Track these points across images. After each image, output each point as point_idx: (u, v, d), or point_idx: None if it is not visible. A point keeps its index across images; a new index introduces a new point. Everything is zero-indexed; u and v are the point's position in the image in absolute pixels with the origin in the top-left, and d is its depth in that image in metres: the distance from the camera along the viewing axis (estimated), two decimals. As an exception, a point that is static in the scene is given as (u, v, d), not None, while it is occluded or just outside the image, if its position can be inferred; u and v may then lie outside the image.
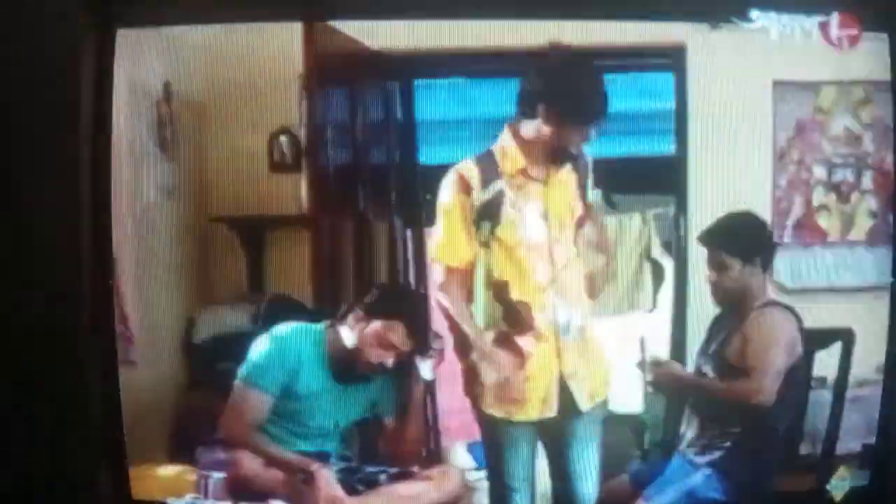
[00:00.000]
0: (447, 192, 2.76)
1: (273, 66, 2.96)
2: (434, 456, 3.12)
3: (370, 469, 2.90)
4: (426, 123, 3.19)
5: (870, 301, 3.05)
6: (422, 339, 2.84)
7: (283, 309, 3.02)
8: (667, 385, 3.13)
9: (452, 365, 2.87)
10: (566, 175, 2.81)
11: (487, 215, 2.75)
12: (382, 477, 2.86)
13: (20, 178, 2.59)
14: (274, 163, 3.10)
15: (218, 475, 2.78)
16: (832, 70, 2.98)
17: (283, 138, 3.10)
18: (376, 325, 2.83)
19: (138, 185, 2.89)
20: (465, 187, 2.74)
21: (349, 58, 2.98)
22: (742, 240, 2.94)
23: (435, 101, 3.21)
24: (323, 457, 2.87)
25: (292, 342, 2.87)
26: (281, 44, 2.91)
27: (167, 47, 2.83)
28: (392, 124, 3.23)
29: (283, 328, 2.89)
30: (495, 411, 2.83)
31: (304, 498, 2.77)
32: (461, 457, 3.14)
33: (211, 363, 3.03)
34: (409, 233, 3.24)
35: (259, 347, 2.86)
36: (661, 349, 3.17)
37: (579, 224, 2.86)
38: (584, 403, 2.82)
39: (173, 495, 2.72)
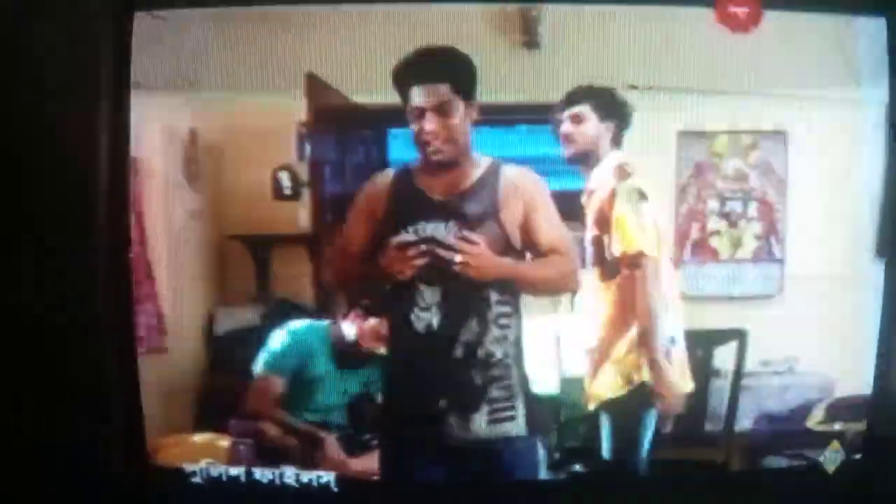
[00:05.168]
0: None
1: (276, 116, 3.36)
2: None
3: (364, 436, 3.29)
4: (397, 163, 3.39)
5: (757, 307, 3.50)
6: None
7: (288, 309, 3.40)
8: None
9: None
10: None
11: None
12: (374, 442, 3.21)
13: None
14: (276, 192, 3.46)
15: (248, 441, 3.16)
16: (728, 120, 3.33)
17: (282, 173, 3.46)
18: (372, 321, 3.29)
19: (170, 209, 3.26)
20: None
21: (340, 110, 3.32)
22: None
23: (404, 145, 3.36)
24: (327, 426, 3.28)
25: (305, 335, 3.32)
26: (283, 99, 3.27)
27: (193, 103, 3.19)
28: (371, 162, 3.59)
29: (297, 324, 3.31)
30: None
31: (314, 459, 3.19)
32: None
33: (229, 351, 3.40)
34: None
35: (277, 339, 3.28)
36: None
37: None
38: None
39: (199, 459, 2.95)
